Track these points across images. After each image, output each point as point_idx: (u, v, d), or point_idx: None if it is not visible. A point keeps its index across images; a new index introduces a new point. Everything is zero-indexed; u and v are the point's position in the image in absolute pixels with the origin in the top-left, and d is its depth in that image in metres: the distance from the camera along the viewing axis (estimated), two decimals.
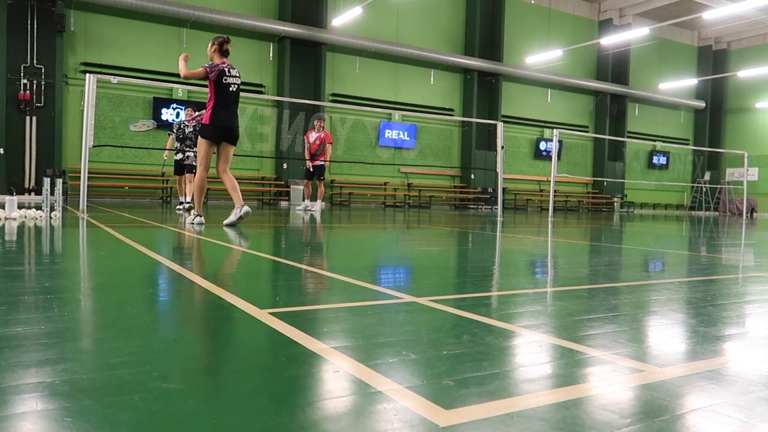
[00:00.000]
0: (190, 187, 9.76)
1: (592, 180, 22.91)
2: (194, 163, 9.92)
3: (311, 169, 10.76)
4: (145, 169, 15.22)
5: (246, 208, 5.58)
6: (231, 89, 5.51)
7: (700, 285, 2.61)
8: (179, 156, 9.92)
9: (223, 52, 5.60)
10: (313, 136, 10.69)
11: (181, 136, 9.88)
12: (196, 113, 9.90)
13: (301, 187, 14.29)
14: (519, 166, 21.27)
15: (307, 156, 10.77)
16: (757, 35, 25.03)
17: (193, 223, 5.61)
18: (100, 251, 3.49)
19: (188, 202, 9.76)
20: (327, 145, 10.65)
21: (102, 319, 1.61)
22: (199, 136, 5.64)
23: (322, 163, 10.68)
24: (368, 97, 17.99)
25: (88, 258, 3.17)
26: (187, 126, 9.85)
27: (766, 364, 1.28)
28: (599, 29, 22.70)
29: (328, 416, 0.92)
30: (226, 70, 5.47)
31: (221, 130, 5.54)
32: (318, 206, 10.75)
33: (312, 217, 8.51)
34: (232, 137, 5.65)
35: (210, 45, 5.63)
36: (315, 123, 10.85)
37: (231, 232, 4.96)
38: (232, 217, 5.56)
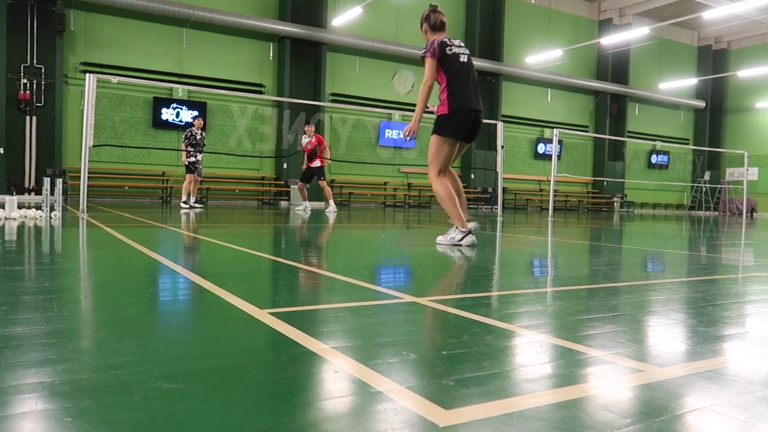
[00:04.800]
0: (190, 186, 10.91)
1: (592, 180, 22.90)
2: (200, 166, 10.71)
3: (304, 171, 11.21)
4: (145, 169, 15.22)
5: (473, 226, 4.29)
6: (461, 59, 4.24)
7: (700, 285, 2.61)
8: (192, 159, 10.89)
9: (435, 26, 4.33)
10: (305, 140, 11.05)
11: (193, 142, 10.92)
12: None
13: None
14: (519, 166, 21.27)
15: (305, 159, 11.22)
16: (757, 35, 25.03)
17: (461, 244, 4.10)
18: (100, 251, 3.49)
19: (187, 203, 10.84)
20: (323, 148, 10.85)
21: (102, 319, 1.61)
22: (435, 135, 4.24)
23: (319, 165, 10.87)
24: (368, 97, 17.98)
25: (88, 258, 3.17)
26: (198, 133, 10.97)
27: (766, 364, 1.28)
28: (599, 29, 22.70)
29: (328, 416, 0.92)
30: (446, 40, 4.23)
31: (465, 117, 4.18)
32: (332, 207, 10.90)
33: (311, 218, 8.52)
34: (475, 130, 4.32)
35: (421, 27, 4.42)
36: (305, 128, 11.27)
37: (228, 232, 4.96)
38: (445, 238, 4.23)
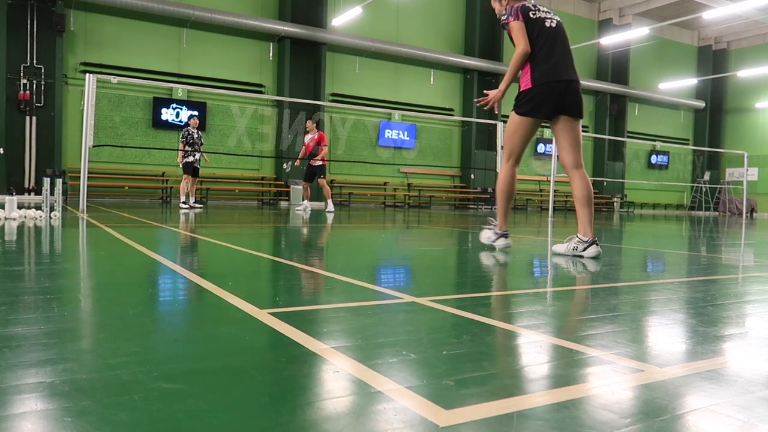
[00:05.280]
0: (187, 187, 10.97)
1: (592, 180, 22.91)
2: (198, 166, 10.72)
3: (305, 170, 11.23)
4: (145, 169, 15.22)
5: (595, 249, 3.71)
6: (548, 24, 3.68)
7: (700, 285, 2.61)
8: (190, 159, 10.92)
9: None
10: (307, 138, 11.08)
11: (190, 141, 10.94)
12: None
13: (300, 187, 14.47)
14: (518, 166, 21.26)
15: (300, 156, 11.25)
16: (757, 35, 25.04)
17: (495, 245, 3.99)
18: (99, 251, 3.49)
19: (187, 203, 10.88)
20: (322, 146, 10.86)
21: (102, 319, 1.61)
22: (513, 113, 3.81)
23: (321, 163, 10.87)
24: (368, 97, 17.99)
25: (88, 258, 3.17)
26: (194, 133, 11.03)
27: (766, 364, 1.28)
28: (599, 29, 22.71)
29: (327, 416, 0.92)
30: (529, 5, 3.72)
31: (549, 92, 3.65)
32: (330, 206, 10.89)
33: (312, 218, 8.52)
34: (569, 101, 3.67)
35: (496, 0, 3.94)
36: (306, 125, 11.35)
37: (228, 232, 4.95)
38: (562, 248, 3.80)
